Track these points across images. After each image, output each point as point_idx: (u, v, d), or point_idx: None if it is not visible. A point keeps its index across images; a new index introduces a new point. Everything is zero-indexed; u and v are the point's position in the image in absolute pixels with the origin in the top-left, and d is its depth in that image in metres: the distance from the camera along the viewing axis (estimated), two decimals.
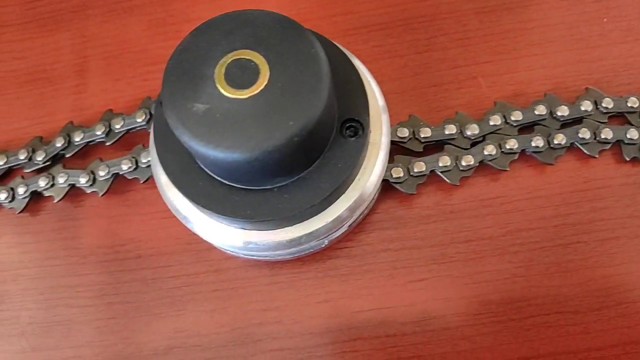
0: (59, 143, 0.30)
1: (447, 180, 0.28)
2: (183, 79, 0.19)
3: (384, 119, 0.24)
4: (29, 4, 0.35)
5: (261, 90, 0.18)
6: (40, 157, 0.30)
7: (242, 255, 0.26)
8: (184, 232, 0.25)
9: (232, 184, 0.21)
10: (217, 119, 0.18)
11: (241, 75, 0.19)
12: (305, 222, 0.23)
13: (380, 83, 0.25)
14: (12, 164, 0.31)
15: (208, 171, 0.21)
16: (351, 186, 0.23)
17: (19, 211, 0.30)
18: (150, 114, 0.30)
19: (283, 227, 0.23)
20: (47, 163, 0.31)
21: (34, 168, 0.31)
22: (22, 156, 0.31)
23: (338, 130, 0.21)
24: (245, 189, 0.21)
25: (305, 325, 0.27)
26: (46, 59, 0.34)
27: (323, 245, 0.26)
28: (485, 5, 0.32)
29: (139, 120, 0.30)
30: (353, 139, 0.21)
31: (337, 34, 0.33)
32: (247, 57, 0.19)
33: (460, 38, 0.32)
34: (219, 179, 0.21)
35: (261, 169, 0.20)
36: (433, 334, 0.27)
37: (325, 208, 0.23)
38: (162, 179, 0.24)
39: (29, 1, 0.35)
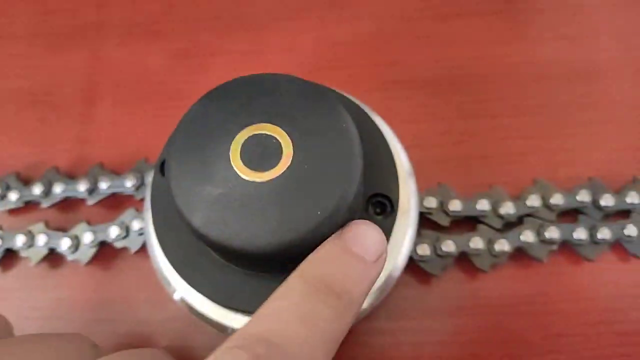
0: (38, 190, 0.27)
1: (477, 266, 0.25)
2: (193, 155, 0.17)
3: (412, 189, 0.21)
4: (40, 17, 0.32)
5: (283, 173, 0.16)
6: (13, 197, 0.27)
7: None
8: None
9: (245, 271, 0.19)
10: (232, 205, 0.16)
11: (260, 154, 0.16)
12: None
13: (417, 147, 0.22)
14: None
15: (216, 255, 0.19)
16: None
17: None
18: (142, 181, 0.27)
19: None
20: (20, 206, 0.27)
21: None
22: None
23: (364, 207, 0.19)
24: (261, 275, 0.19)
25: None
26: (53, 80, 0.31)
27: None
28: (546, 72, 0.29)
29: (127, 184, 0.26)
30: (381, 217, 0.19)
31: (377, 85, 0.30)
32: (268, 133, 0.17)
33: (515, 105, 0.29)
34: (229, 264, 0.19)
35: (283, 259, 0.17)
36: None
37: None
38: (159, 257, 0.21)
39: (40, 13, 0.32)
